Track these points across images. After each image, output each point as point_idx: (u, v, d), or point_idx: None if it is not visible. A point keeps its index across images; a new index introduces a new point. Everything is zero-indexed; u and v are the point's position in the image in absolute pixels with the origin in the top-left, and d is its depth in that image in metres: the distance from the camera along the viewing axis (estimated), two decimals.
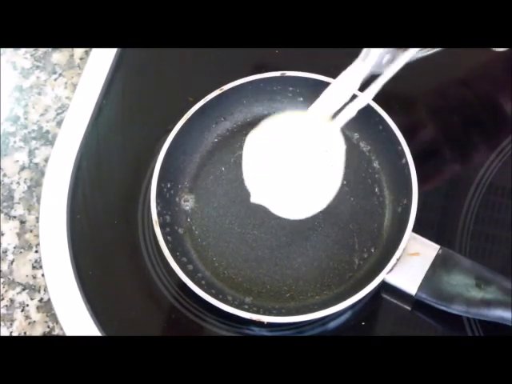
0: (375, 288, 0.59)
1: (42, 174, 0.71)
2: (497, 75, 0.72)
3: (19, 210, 0.71)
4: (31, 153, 0.73)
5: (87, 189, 0.70)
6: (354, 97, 0.59)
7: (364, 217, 0.66)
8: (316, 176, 0.60)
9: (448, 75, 0.72)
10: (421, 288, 0.59)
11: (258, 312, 0.61)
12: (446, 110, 0.72)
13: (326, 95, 0.59)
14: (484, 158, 0.68)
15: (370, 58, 0.58)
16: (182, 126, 0.66)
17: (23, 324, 0.66)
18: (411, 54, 0.58)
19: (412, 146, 0.64)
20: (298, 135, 0.58)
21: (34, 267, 0.68)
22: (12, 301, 0.67)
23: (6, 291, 0.67)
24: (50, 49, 0.79)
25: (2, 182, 0.72)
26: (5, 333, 0.65)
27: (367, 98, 0.59)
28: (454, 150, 0.70)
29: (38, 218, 0.69)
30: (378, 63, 0.59)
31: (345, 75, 0.59)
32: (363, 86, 0.59)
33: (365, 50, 0.58)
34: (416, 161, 0.63)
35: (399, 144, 0.64)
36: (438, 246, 0.61)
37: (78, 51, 0.79)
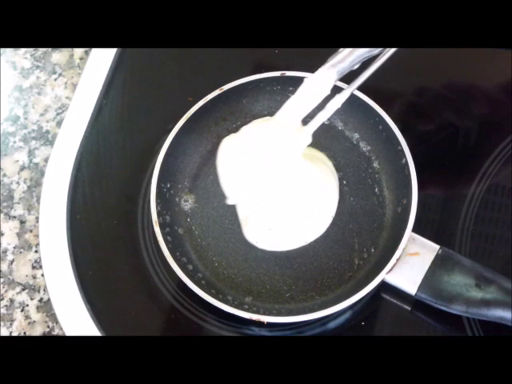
0: (375, 288, 0.59)
1: (42, 174, 0.71)
2: (497, 75, 0.73)
3: (19, 210, 0.71)
4: (31, 153, 0.73)
5: (87, 189, 0.70)
6: (328, 98, 0.59)
7: (364, 217, 0.66)
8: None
9: (448, 76, 0.72)
10: (421, 288, 0.59)
11: (257, 312, 0.61)
12: (446, 110, 0.72)
13: (295, 99, 0.59)
14: (484, 158, 0.68)
15: (341, 67, 0.57)
16: (182, 126, 0.66)
17: (23, 324, 0.66)
18: (382, 60, 0.58)
19: (412, 146, 0.64)
20: (269, 141, 0.59)
21: (33, 267, 0.68)
22: (12, 301, 0.67)
23: (6, 291, 0.67)
24: (49, 49, 0.79)
25: (1, 182, 0.72)
26: (5, 333, 0.65)
27: (339, 103, 0.58)
28: (454, 150, 0.70)
29: (37, 218, 0.69)
30: (349, 69, 0.58)
31: (312, 80, 0.58)
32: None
33: (336, 58, 0.58)
34: (416, 161, 0.63)
35: (399, 144, 0.64)
36: (437, 246, 0.61)
37: (78, 51, 0.79)
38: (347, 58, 0.57)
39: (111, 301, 0.65)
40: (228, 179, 0.59)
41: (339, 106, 0.59)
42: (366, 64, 0.58)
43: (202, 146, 0.70)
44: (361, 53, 0.57)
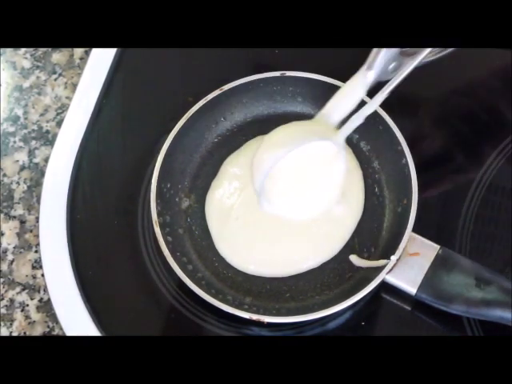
0: (375, 288, 0.59)
1: (42, 174, 0.71)
2: (496, 77, 0.73)
3: (19, 210, 0.71)
4: (31, 153, 0.73)
5: (87, 189, 0.69)
6: (361, 104, 0.60)
7: (364, 217, 0.66)
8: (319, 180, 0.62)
9: (448, 76, 0.72)
10: (421, 288, 0.59)
11: (257, 312, 0.61)
12: (445, 110, 0.72)
13: (332, 103, 0.60)
14: (484, 158, 0.68)
15: (376, 66, 0.58)
16: (182, 126, 0.66)
17: (23, 324, 0.66)
18: (417, 61, 0.58)
19: (412, 147, 0.64)
20: (304, 144, 0.60)
21: (33, 267, 0.68)
22: (12, 301, 0.67)
23: (6, 291, 0.67)
24: (49, 49, 0.79)
25: (1, 182, 0.72)
26: (5, 333, 0.65)
27: (374, 105, 0.59)
28: (454, 151, 0.70)
29: (37, 218, 0.69)
30: (384, 71, 0.59)
31: (350, 83, 0.59)
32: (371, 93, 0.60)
33: (369, 59, 0.58)
34: (416, 161, 0.63)
35: (399, 144, 0.64)
36: (437, 246, 0.61)
37: (78, 51, 0.79)
38: (377, 56, 0.57)
39: (111, 301, 0.65)
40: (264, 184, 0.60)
41: (373, 109, 0.60)
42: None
43: (202, 145, 0.70)
44: (393, 51, 0.58)
